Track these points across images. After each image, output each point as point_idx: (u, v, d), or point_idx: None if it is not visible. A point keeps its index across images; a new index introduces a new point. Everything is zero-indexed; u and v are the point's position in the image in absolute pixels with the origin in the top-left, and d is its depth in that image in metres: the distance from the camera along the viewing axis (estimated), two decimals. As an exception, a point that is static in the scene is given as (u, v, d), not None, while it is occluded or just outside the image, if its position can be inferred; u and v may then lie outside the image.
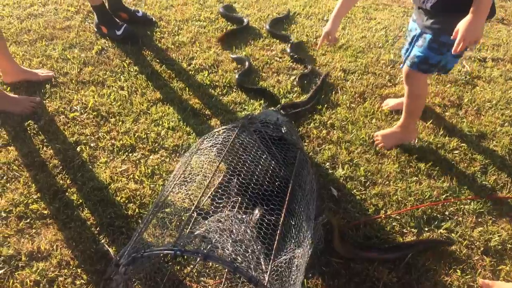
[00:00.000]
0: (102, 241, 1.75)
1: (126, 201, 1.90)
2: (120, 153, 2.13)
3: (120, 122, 2.29)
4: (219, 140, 1.60)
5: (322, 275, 1.65)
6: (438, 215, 1.88)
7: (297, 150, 1.68)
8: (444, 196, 1.97)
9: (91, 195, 1.92)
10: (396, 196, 1.96)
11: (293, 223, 1.43)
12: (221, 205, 1.45)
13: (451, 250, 1.74)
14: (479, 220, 1.87)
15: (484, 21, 1.69)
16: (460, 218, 1.88)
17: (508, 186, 2.03)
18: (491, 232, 1.82)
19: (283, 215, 1.35)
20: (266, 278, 1.16)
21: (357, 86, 2.64)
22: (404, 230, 1.82)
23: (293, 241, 1.42)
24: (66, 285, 1.59)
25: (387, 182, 2.03)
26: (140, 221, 1.83)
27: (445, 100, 2.55)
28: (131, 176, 2.02)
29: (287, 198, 1.42)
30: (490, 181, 2.05)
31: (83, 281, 1.61)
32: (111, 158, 2.10)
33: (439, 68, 1.96)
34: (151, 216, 1.37)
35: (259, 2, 3.72)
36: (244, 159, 1.51)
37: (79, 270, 1.65)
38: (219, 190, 1.47)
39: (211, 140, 1.62)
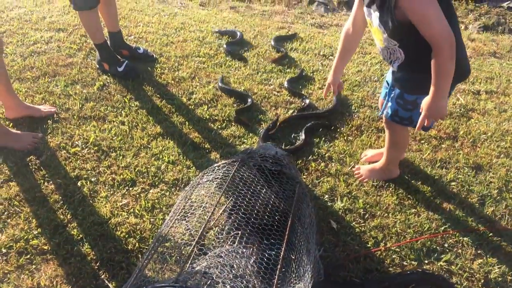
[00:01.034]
0: (102, 276, 1.75)
1: (126, 236, 1.91)
2: (121, 187, 2.15)
3: (121, 157, 2.32)
4: (219, 174, 1.62)
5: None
6: (438, 247, 1.89)
7: (295, 184, 1.70)
8: (443, 228, 1.98)
9: (91, 229, 1.93)
10: (395, 228, 1.96)
11: (293, 257, 1.44)
12: (222, 240, 1.46)
13: (452, 282, 1.74)
14: (479, 252, 1.88)
15: (445, 99, 1.69)
16: (460, 250, 1.88)
17: (506, 218, 2.04)
18: (490, 264, 1.82)
19: (283, 249, 1.36)
20: None
21: (354, 119, 2.69)
22: (404, 263, 1.82)
23: (294, 275, 1.42)
24: (65, 323, 1.58)
25: (386, 214, 2.04)
26: (140, 256, 1.83)
27: (441, 132, 2.59)
28: (131, 210, 2.03)
29: (287, 232, 1.43)
30: (488, 212, 2.07)
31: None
32: (111, 192, 2.12)
33: (413, 123, 1.90)
34: (152, 252, 1.38)
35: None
36: (244, 193, 1.53)
37: (78, 308, 1.64)
38: (219, 225, 1.49)
39: (211, 174, 1.65)
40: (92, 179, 2.18)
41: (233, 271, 1.29)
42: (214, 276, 1.23)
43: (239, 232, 1.52)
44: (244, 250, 1.36)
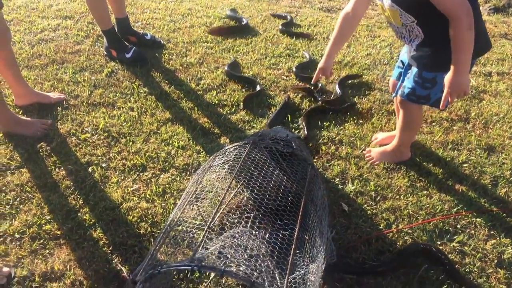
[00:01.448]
0: (115, 260, 1.76)
1: (138, 220, 1.92)
2: (131, 172, 2.15)
3: (131, 143, 2.32)
4: (231, 157, 1.62)
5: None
6: (450, 229, 1.88)
7: (307, 165, 1.69)
8: (455, 210, 1.96)
9: (103, 214, 1.94)
10: (407, 210, 1.95)
11: (306, 237, 1.44)
12: (236, 221, 1.45)
13: (465, 262, 1.73)
14: (492, 232, 1.86)
15: (466, 74, 1.68)
16: (473, 231, 1.87)
17: (520, 198, 2.02)
18: (504, 245, 1.81)
19: (297, 229, 1.36)
20: None
21: (364, 102, 2.66)
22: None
23: (307, 256, 1.42)
24: (80, 305, 1.60)
25: (398, 197, 2.03)
26: (152, 240, 1.84)
27: (453, 114, 2.56)
28: (143, 195, 2.04)
29: (300, 213, 1.42)
30: (501, 193, 2.05)
31: (96, 301, 1.61)
32: (122, 178, 2.13)
33: (430, 101, 1.91)
34: (165, 235, 1.38)
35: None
36: (257, 175, 1.52)
37: (92, 289, 1.66)
38: (233, 206, 1.48)
39: (222, 157, 1.64)
40: (103, 165, 2.19)
41: (247, 252, 1.30)
42: (228, 256, 1.23)
43: (252, 214, 1.53)
44: (258, 232, 1.36)
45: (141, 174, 2.15)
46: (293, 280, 1.29)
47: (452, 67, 1.67)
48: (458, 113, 2.57)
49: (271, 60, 3.15)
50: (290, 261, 1.26)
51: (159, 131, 2.41)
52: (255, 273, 1.19)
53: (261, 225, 1.40)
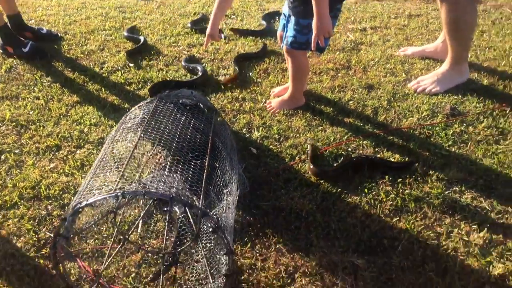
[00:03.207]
0: (44, 230, 1.83)
1: (61, 193, 1.99)
2: (46, 153, 2.21)
3: (41, 127, 2.36)
4: (140, 113, 1.76)
5: (253, 216, 1.87)
6: (343, 152, 2.19)
7: (213, 112, 1.89)
8: (346, 137, 2.28)
9: (23, 194, 1.98)
10: (306, 144, 2.24)
11: (217, 165, 1.63)
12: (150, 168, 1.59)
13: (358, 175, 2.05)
14: (376, 149, 2.20)
15: (326, 17, 1.97)
16: (361, 151, 2.20)
17: (396, 121, 2.39)
18: (387, 157, 2.15)
19: (208, 156, 1.54)
20: (200, 202, 1.33)
21: (260, 64, 2.92)
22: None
23: (220, 181, 1.61)
24: (17, 272, 1.66)
25: (298, 135, 2.31)
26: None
27: (337, 64, 2.91)
28: (61, 171, 2.10)
29: (209, 145, 1.61)
30: (381, 119, 2.41)
31: (29, 267, 1.68)
32: (38, 159, 2.17)
33: (310, 46, 2.12)
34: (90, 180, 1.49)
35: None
36: (166, 121, 1.68)
37: (25, 259, 1.72)
38: (146, 156, 1.62)
39: (133, 114, 1.78)
40: (16, 151, 2.21)
41: (165, 183, 1.44)
42: (147, 184, 1.38)
43: (164, 154, 1.68)
44: (171, 168, 1.50)
45: (56, 153, 2.21)
46: (208, 199, 1.47)
47: (314, 12, 1.97)
48: (341, 62, 2.93)
49: (170, 39, 3.31)
50: (204, 179, 1.44)
51: (68, 114, 2.47)
52: (173, 190, 1.35)
53: (174, 158, 1.56)
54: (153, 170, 1.51)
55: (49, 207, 1.93)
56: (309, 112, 2.47)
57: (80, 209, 1.31)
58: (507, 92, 2.63)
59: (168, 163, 1.54)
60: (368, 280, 1.63)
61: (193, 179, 1.48)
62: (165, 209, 1.89)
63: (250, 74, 2.82)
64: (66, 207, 1.91)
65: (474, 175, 2.04)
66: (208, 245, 1.68)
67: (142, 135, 1.59)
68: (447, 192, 1.96)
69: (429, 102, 2.51)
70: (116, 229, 1.76)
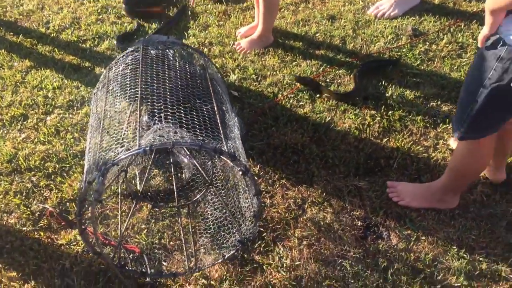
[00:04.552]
0: (34, 202, 1.73)
1: (42, 162, 1.87)
2: (13, 124, 2.04)
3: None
4: (128, 61, 1.63)
5: (251, 157, 1.88)
6: (323, 84, 2.22)
7: (200, 55, 1.81)
8: (321, 69, 2.31)
9: (1, 169, 1.84)
10: (285, 80, 2.23)
11: (224, 109, 1.59)
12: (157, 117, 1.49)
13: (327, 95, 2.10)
14: (351, 77, 2.25)
15: None
16: (340, 80, 2.24)
17: (365, 48, 2.44)
18: (364, 83, 2.21)
19: (214, 102, 1.49)
20: (225, 146, 1.29)
21: (218, 7, 2.81)
22: (301, 103, 2.12)
23: (229, 124, 1.57)
24: (18, 248, 1.57)
25: (274, 73, 2.29)
26: (65, 174, 1.83)
27: (295, -1, 2.88)
28: (36, 140, 1.96)
29: (211, 90, 1.55)
30: (349, 48, 2.45)
31: (31, 241, 1.60)
32: (5, 131, 2.00)
33: None
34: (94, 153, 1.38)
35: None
36: (161, 69, 1.57)
37: (23, 234, 1.62)
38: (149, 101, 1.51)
39: (118, 65, 1.65)
40: (-23, 126, 2.02)
41: (178, 134, 1.38)
42: (165, 135, 1.30)
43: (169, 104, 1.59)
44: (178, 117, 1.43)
45: (25, 122, 2.05)
46: (229, 142, 1.43)
47: None
48: (299, -3, 2.90)
49: None
50: (219, 124, 1.39)
51: (25, 80, 2.27)
52: (200, 138, 1.30)
53: (185, 105, 1.48)
54: (164, 121, 1.43)
55: (33, 178, 1.81)
56: (280, 49, 2.44)
57: (107, 170, 1.22)
58: (458, 9, 2.76)
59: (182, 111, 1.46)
60: (374, 199, 1.72)
61: (209, 125, 1.43)
62: (167, 162, 1.86)
63: (211, 17, 2.71)
64: (53, 176, 1.81)
65: (446, 88, 2.16)
66: (223, 191, 1.69)
67: (143, 86, 1.49)
68: (425, 108, 2.07)
69: (391, 26, 2.58)
70: (127, 188, 1.70)
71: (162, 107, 1.36)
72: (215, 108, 1.44)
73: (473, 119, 1.37)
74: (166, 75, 1.52)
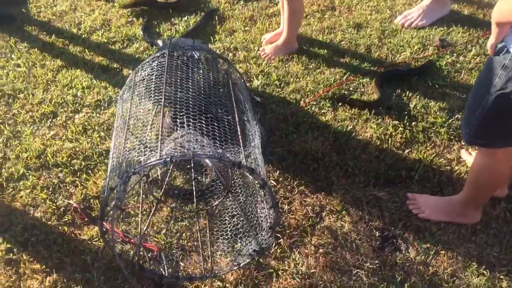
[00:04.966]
0: (59, 198, 1.78)
1: (69, 159, 1.93)
2: (43, 121, 2.11)
3: (31, 95, 2.24)
4: (154, 67, 1.67)
5: (271, 163, 1.89)
6: (346, 92, 2.22)
7: (225, 61, 1.84)
8: (345, 77, 2.30)
9: (30, 164, 1.91)
10: (308, 88, 2.24)
11: (246, 119, 1.61)
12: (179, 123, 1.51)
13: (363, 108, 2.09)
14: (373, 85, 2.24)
15: None
16: (363, 89, 2.23)
17: (390, 57, 2.43)
18: (388, 92, 2.20)
19: (236, 112, 1.50)
20: (244, 159, 1.31)
21: (244, 12, 2.84)
22: (323, 111, 2.12)
23: (250, 134, 1.59)
24: (42, 241, 1.63)
25: (298, 80, 2.31)
26: (90, 172, 1.88)
27: (321, 6, 2.87)
28: (64, 137, 2.03)
29: (233, 99, 1.57)
30: (375, 56, 2.44)
31: (55, 235, 1.65)
32: (35, 128, 2.08)
33: None
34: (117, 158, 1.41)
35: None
36: (185, 77, 1.61)
37: (48, 228, 1.68)
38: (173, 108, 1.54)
39: (144, 70, 1.69)
40: (10, 122, 2.10)
41: (199, 142, 1.40)
42: (186, 146, 1.32)
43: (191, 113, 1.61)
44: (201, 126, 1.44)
45: (54, 120, 2.12)
46: (247, 153, 1.45)
47: None
48: (325, 4, 2.89)
49: None
50: (239, 135, 1.40)
51: (56, 79, 2.34)
52: (219, 150, 1.32)
53: (207, 115, 1.51)
54: (186, 130, 1.46)
55: (60, 174, 1.87)
56: (304, 56, 2.45)
57: (128, 178, 1.25)
58: (488, 20, 2.69)
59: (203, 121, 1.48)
60: (393, 210, 1.71)
61: (230, 136, 1.44)
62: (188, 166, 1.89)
63: (238, 22, 2.75)
64: (79, 173, 1.86)
65: (472, 102, 2.13)
66: (241, 198, 1.71)
67: (167, 94, 1.52)
68: (450, 120, 2.04)
69: (418, 36, 2.56)
70: (149, 191, 1.74)
71: (185, 116, 1.38)
72: (236, 119, 1.46)
73: (480, 124, 1.38)
74: (190, 83, 1.55)
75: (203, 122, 1.40)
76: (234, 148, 1.40)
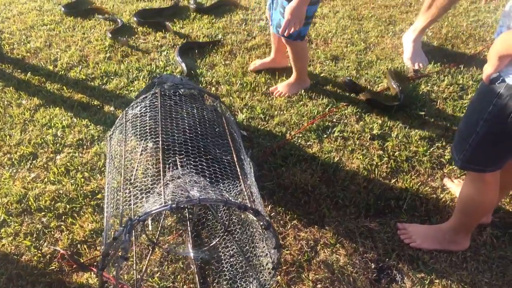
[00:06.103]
0: (45, 244, 1.71)
1: (52, 203, 1.86)
2: (22, 163, 2.03)
3: (8, 137, 2.16)
4: (145, 106, 1.65)
5: (262, 195, 1.88)
6: (329, 123, 2.26)
7: (216, 100, 1.84)
8: (327, 109, 2.35)
9: (11, 209, 1.83)
10: (293, 120, 2.27)
11: (242, 157, 1.60)
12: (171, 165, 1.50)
13: (348, 144, 2.13)
14: (357, 117, 2.30)
15: (304, 6, 2.00)
16: (346, 120, 2.28)
17: (369, 88, 2.51)
18: (370, 123, 2.26)
19: (234, 153, 1.50)
20: (248, 202, 1.30)
21: (224, 46, 2.88)
22: (309, 143, 2.15)
23: (247, 173, 1.58)
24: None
25: (282, 113, 2.34)
26: (75, 215, 1.82)
27: (298, 39, 2.95)
28: (46, 179, 1.96)
29: (230, 139, 1.57)
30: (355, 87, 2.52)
31: (42, 285, 1.57)
32: (15, 171, 2.00)
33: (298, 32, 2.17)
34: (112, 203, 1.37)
35: None
36: (181, 116, 1.60)
37: (34, 278, 1.60)
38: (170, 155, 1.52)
39: (136, 107, 1.67)
40: (-14, 165, 2.02)
41: (198, 184, 1.38)
42: (189, 190, 1.30)
43: (187, 153, 1.60)
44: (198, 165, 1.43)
45: (34, 161, 2.04)
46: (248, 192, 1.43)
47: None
48: (302, 37, 2.97)
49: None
50: (240, 176, 1.40)
51: (34, 118, 2.28)
52: (224, 194, 1.31)
53: (207, 156, 1.49)
54: (187, 173, 1.44)
55: (44, 219, 1.80)
56: (285, 89, 2.50)
57: (132, 227, 1.21)
58: (456, 51, 2.86)
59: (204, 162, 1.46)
60: (386, 241, 1.73)
61: (231, 177, 1.43)
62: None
63: (217, 56, 2.77)
64: (64, 217, 1.79)
65: (450, 130, 2.22)
66: (237, 236, 1.68)
67: (164, 136, 1.50)
68: (431, 149, 2.11)
69: (393, 67, 2.66)
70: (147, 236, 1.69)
71: (185, 159, 1.37)
72: (235, 159, 1.45)
73: (473, 150, 1.41)
74: (186, 123, 1.54)
75: (204, 165, 1.39)
76: (234, 186, 1.39)
